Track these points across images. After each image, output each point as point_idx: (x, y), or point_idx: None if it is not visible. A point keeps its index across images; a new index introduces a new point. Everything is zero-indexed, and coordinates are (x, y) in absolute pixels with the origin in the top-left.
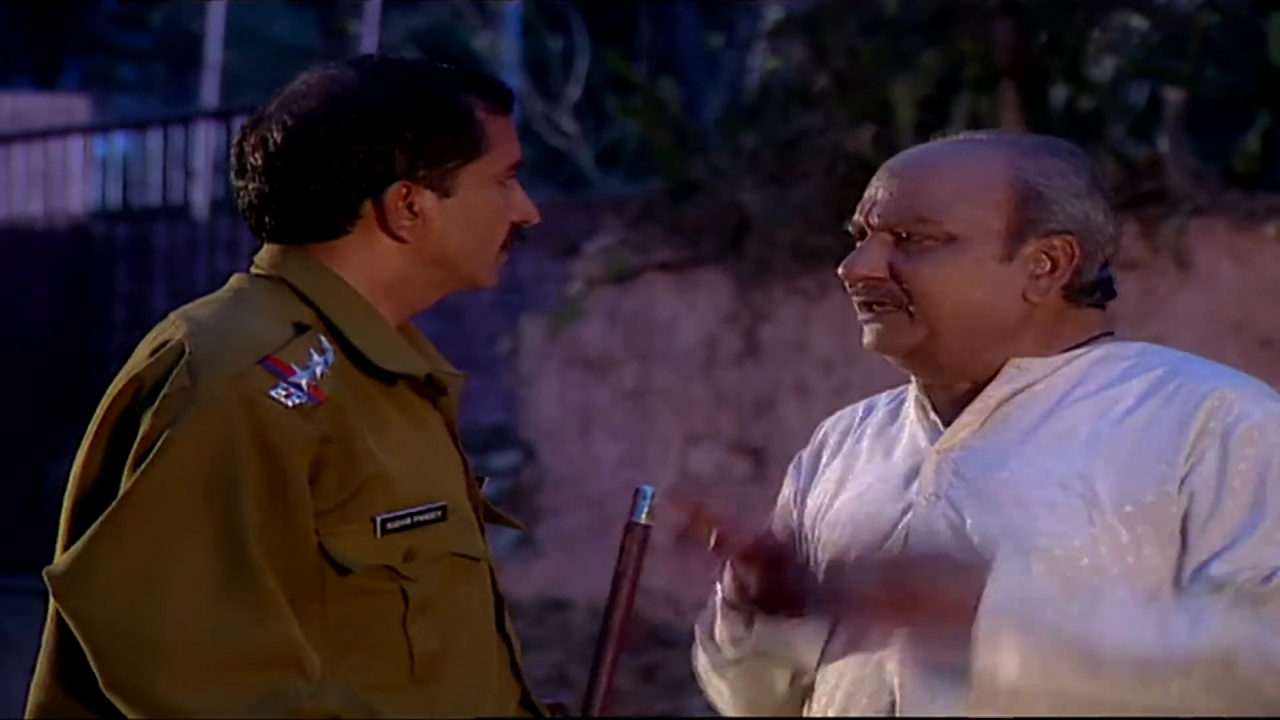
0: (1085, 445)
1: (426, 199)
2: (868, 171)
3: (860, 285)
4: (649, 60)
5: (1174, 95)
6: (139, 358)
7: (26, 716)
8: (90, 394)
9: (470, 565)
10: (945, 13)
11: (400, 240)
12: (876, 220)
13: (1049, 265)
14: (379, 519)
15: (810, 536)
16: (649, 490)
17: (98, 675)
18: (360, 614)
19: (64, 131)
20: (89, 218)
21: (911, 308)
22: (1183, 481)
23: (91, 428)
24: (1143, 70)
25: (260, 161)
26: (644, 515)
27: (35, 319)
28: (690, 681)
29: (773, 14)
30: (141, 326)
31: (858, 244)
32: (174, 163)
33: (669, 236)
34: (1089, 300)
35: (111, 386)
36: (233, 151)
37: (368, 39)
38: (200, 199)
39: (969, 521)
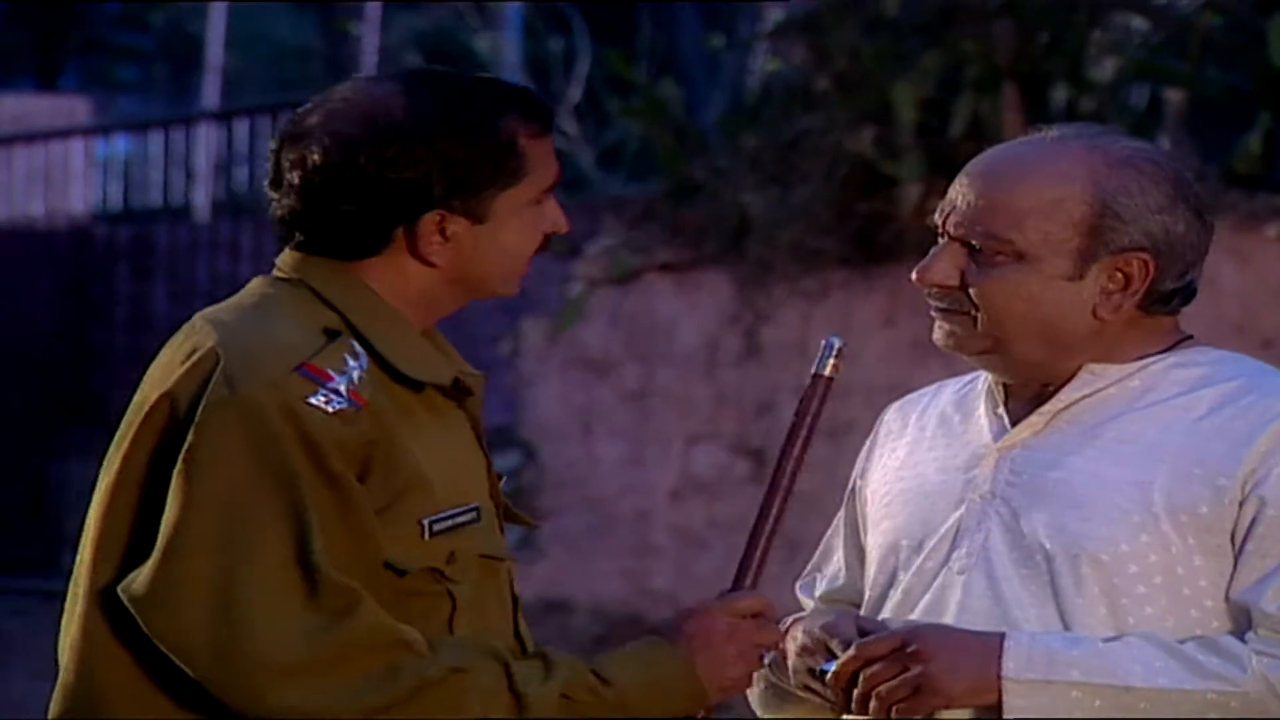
0: (1147, 452)
1: (460, 225)
2: (869, 172)
3: (933, 290)
4: (650, 61)
5: (1175, 96)
6: (169, 366)
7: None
8: (91, 395)
9: (495, 566)
10: (946, 13)
11: (430, 264)
12: (953, 228)
13: (1122, 281)
14: (426, 521)
15: (870, 522)
16: (835, 341)
17: (215, 695)
18: (410, 617)
19: (65, 133)
20: (90, 219)
21: (978, 316)
22: (1243, 498)
23: (124, 439)
24: (1144, 71)
25: (297, 180)
26: (828, 368)
27: (36, 320)
28: None
29: (774, 15)
30: (143, 327)
31: (939, 240)
32: (175, 164)
33: (670, 237)
34: (1166, 309)
35: (141, 395)
36: (269, 160)
37: (369, 40)
38: (201, 200)
39: (1021, 519)
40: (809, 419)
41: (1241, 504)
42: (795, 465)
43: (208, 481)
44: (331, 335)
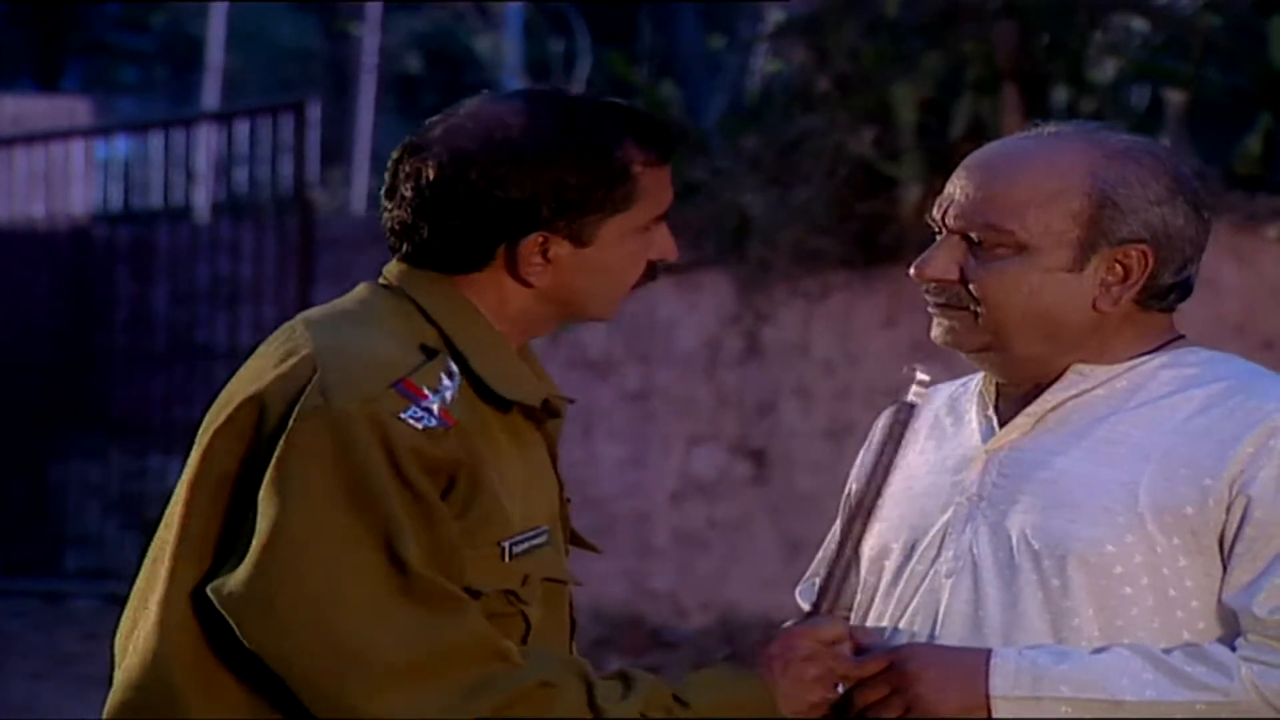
0: (1134, 453)
1: (561, 246)
2: (869, 173)
3: (931, 285)
4: (650, 62)
5: (1175, 97)
6: (262, 368)
7: (107, 714)
8: (91, 395)
9: (558, 589)
10: (947, 15)
11: (527, 285)
12: (951, 221)
13: (1121, 274)
14: (507, 544)
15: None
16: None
17: (306, 704)
18: None
19: (65, 134)
20: (90, 220)
21: (978, 311)
22: (1230, 499)
23: (205, 435)
24: (1144, 72)
25: (410, 193)
26: (910, 394)
27: (37, 321)
28: None
29: (774, 16)
30: (143, 328)
31: (936, 237)
32: (175, 165)
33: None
34: (1162, 305)
35: (228, 393)
36: (388, 169)
37: (369, 41)
38: (201, 201)
39: (1007, 521)
40: (894, 445)
41: (1229, 506)
42: (877, 492)
43: (301, 489)
44: (429, 353)
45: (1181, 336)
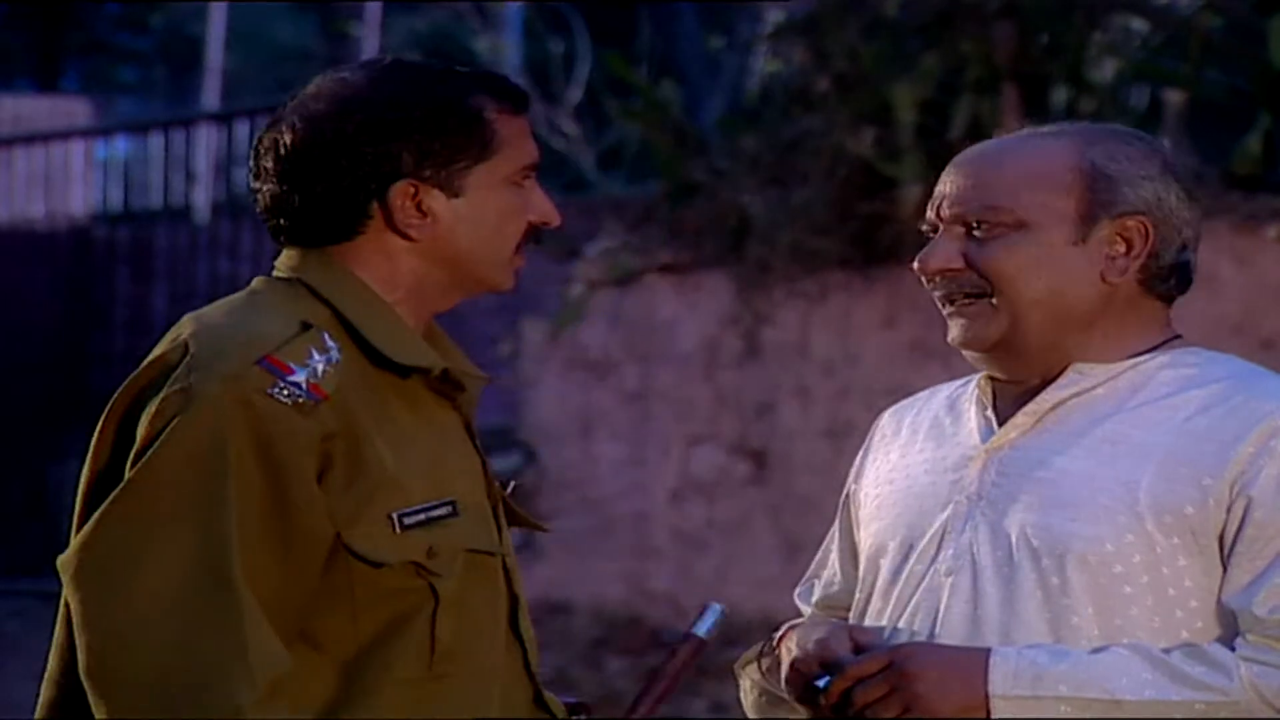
0: (1134, 453)
1: (435, 198)
2: (869, 174)
3: (938, 279)
4: (650, 63)
5: (1175, 97)
6: (149, 357)
7: (37, 714)
8: (91, 396)
9: (485, 561)
10: (946, 15)
11: (410, 239)
12: (947, 213)
13: (1124, 246)
14: (395, 515)
15: (861, 525)
16: (719, 608)
17: (79, 660)
18: (392, 611)
19: (65, 134)
20: (90, 220)
21: (993, 297)
22: (1230, 499)
23: (98, 427)
24: (1143, 72)
25: (272, 164)
26: (706, 631)
27: (36, 321)
28: (692, 683)
29: (773, 16)
30: (142, 328)
31: (931, 237)
32: (175, 165)
33: (670, 239)
34: (1165, 287)
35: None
36: (250, 154)
37: (369, 42)
38: (201, 201)
39: (1006, 520)
40: (669, 679)
41: (1229, 506)
42: (650, 711)
43: (146, 469)
44: (305, 328)
45: (1179, 336)
